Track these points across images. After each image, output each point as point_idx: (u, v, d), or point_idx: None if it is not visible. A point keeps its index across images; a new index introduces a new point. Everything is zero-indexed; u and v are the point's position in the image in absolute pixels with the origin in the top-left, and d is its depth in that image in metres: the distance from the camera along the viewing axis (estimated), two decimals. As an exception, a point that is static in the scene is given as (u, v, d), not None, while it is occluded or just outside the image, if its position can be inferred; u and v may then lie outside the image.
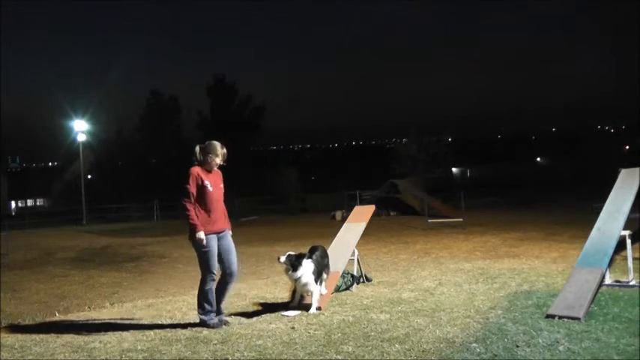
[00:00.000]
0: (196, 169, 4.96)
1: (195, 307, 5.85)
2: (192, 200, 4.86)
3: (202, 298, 4.93)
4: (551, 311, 4.68)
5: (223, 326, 4.85)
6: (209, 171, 5.02)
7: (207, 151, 5.00)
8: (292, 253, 5.41)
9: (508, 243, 10.48)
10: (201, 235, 4.79)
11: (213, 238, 4.91)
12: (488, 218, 16.86)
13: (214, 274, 4.93)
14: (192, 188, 4.87)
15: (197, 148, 5.04)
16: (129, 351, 4.24)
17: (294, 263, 5.29)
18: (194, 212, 4.83)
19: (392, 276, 7.29)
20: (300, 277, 5.28)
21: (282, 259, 5.31)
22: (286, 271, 5.36)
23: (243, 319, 5.12)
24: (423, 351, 3.92)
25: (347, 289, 6.29)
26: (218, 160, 5.04)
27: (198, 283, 4.98)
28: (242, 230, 17.92)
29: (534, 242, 10.32)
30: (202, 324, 4.89)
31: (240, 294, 6.49)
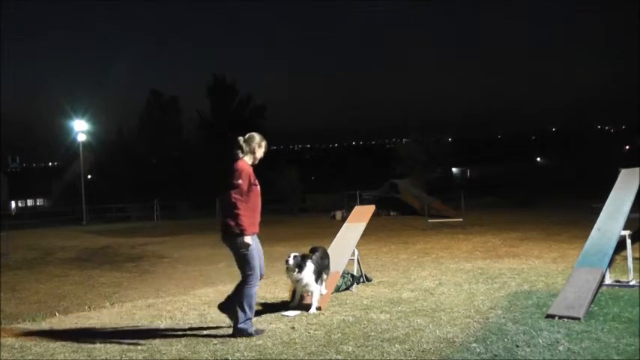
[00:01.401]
0: (246, 165, 4.66)
1: (196, 307, 5.86)
2: (244, 199, 4.53)
3: (246, 302, 4.53)
4: (551, 311, 4.68)
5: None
6: (252, 166, 4.73)
7: (252, 142, 4.73)
8: (297, 254, 5.40)
9: (508, 243, 10.48)
10: (249, 240, 4.51)
11: (255, 239, 4.67)
12: (489, 218, 16.86)
13: (258, 275, 4.67)
14: (245, 185, 4.55)
15: (241, 140, 4.74)
16: (129, 351, 4.24)
17: (300, 264, 5.28)
18: (244, 213, 4.51)
19: (392, 276, 7.29)
20: (302, 278, 5.28)
21: (291, 261, 5.28)
22: (291, 271, 5.31)
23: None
24: (423, 351, 3.92)
25: (347, 289, 6.29)
26: (262, 152, 4.81)
27: (240, 286, 4.60)
28: (242, 230, 17.87)
29: (534, 242, 10.32)
30: (241, 333, 4.47)
31: (240, 294, 6.47)
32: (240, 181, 4.53)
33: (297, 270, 5.25)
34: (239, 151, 4.72)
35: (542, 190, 29.55)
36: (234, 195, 4.51)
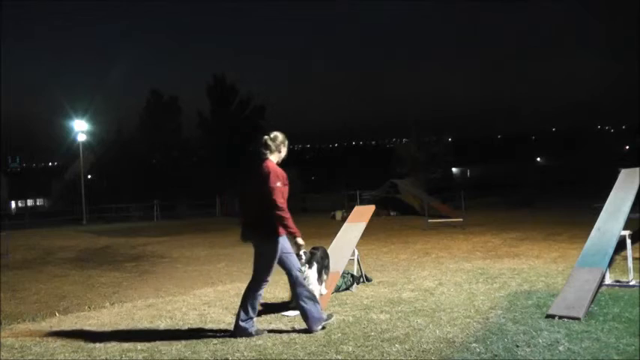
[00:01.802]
0: (276, 165, 4.60)
1: (196, 307, 5.86)
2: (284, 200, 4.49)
3: (250, 302, 4.54)
4: (551, 311, 4.67)
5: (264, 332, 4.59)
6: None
7: (277, 141, 4.65)
8: (307, 251, 5.41)
9: (508, 243, 10.48)
10: (301, 240, 4.56)
11: (285, 239, 4.63)
12: (489, 218, 16.85)
13: (269, 279, 4.70)
14: (284, 188, 4.51)
15: (268, 140, 4.64)
16: (129, 351, 4.24)
17: (310, 260, 5.31)
18: (289, 215, 4.47)
19: (392, 276, 7.29)
20: (310, 275, 5.28)
21: (303, 256, 5.27)
22: (304, 265, 5.32)
23: (243, 319, 5.11)
24: (423, 351, 3.92)
25: (347, 289, 6.29)
26: (285, 152, 4.76)
27: (250, 286, 4.62)
28: (242, 230, 17.88)
29: (534, 242, 10.32)
30: (242, 333, 4.48)
31: (240, 294, 6.45)
32: (279, 184, 4.47)
33: (307, 266, 5.27)
34: (267, 151, 4.64)
35: (542, 190, 29.58)
36: (278, 199, 4.43)
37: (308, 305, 4.56)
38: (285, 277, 6.32)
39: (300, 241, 4.57)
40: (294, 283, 4.66)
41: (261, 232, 4.54)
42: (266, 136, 4.71)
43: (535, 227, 13.15)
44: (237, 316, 4.56)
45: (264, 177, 4.49)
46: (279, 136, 4.73)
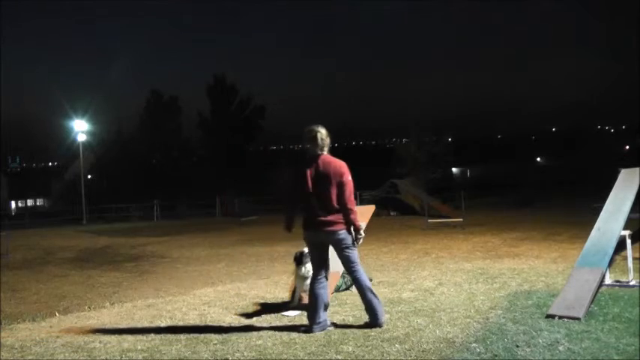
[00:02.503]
0: None
1: (196, 307, 5.86)
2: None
3: (371, 289, 4.57)
4: (551, 311, 4.67)
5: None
6: None
7: (325, 136, 4.58)
8: (303, 251, 5.44)
9: (508, 243, 10.48)
10: (363, 233, 4.63)
11: None
12: (489, 218, 16.86)
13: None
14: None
15: (320, 135, 4.59)
16: (129, 351, 4.24)
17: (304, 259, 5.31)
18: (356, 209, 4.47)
19: (392, 276, 7.28)
20: (310, 276, 5.29)
21: (306, 256, 5.28)
22: (303, 265, 5.34)
23: (243, 319, 5.12)
24: (423, 351, 3.92)
25: (347, 289, 6.28)
26: (329, 144, 4.73)
27: (360, 282, 4.58)
28: (242, 230, 17.91)
29: (534, 242, 10.32)
30: (381, 324, 4.49)
31: (240, 294, 6.49)
32: (350, 177, 4.48)
33: (304, 266, 5.28)
34: (319, 149, 4.60)
35: (542, 190, 29.60)
36: (352, 194, 4.47)
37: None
38: (285, 277, 6.34)
39: (362, 234, 4.62)
40: (316, 283, 4.66)
41: (332, 228, 4.51)
42: (317, 133, 4.60)
43: (535, 227, 13.15)
44: (375, 312, 4.51)
45: (335, 171, 4.46)
46: (322, 130, 4.67)
